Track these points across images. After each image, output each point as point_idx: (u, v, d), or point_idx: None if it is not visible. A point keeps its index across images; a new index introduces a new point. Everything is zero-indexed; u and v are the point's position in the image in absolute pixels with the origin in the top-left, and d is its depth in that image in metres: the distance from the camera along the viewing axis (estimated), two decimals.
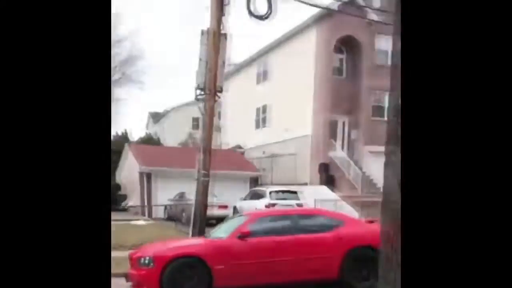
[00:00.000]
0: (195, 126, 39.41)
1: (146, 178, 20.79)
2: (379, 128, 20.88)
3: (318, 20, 21.59)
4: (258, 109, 26.98)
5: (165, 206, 19.89)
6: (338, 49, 22.39)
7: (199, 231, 10.19)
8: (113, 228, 12.71)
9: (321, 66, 21.67)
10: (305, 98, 22.24)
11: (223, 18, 11.03)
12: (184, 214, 17.17)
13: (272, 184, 21.16)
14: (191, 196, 17.13)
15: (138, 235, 12.74)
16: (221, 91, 11.15)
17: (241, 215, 8.68)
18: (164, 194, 19.97)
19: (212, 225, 11.53)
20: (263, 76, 26.78)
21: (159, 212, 20.08)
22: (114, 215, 16.12)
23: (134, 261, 7.02)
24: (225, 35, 11.08)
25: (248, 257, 6.97)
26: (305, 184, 20.96)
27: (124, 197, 23.15)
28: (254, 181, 22.47)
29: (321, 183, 20.44)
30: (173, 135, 37.87)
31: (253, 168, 23.48)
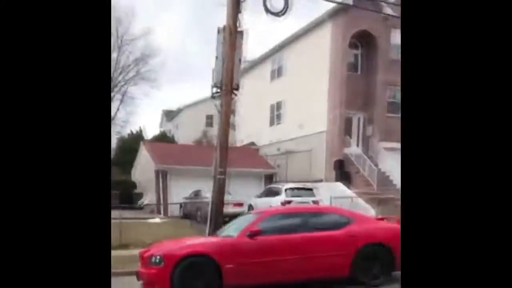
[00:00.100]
0: (209, 123, 39.54)
1: (162, 176, 20.86)
2: (394, 124, 20.69)
3: (333, 15, 21.42)
4: (272, 106, 26.92)
5: (181, 204, 19.94)
6: (353, 45, 22.19)
7: (215, 229, 10.18)
8: (130, 227, 12.85)
9: (336, 62, 21.50)
10: (320, 94, 22.11)
11: (239, 16, 11.00)
12: (199, 212, 17.21)
13: (287, 181, 21.08)
14: (207, 194, 17.25)
15: (154, 234, 12.80)
16: (237, 89, 11.10)
17: (250, 214, 8.61)
18: (179, 192, 20.04)
19: (227, 223, 11.51)
20: (277, 73, 26.70)
21: (175, 210, 20.15)
22: (130, 214, 16.35)
23: (145, 259, 7.03)
24: (241, 32, 11.03)
25: (258, 255, 6.95)
26: (320, 180, 20.87)
27: (140, 196, 23.29)
28: (269, 178, 22.42)
29: (336, 179, 20.33)
30: (186, 132, 38.05)
31: (268, 165, 23.44)
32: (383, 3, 20.10)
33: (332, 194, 16.79)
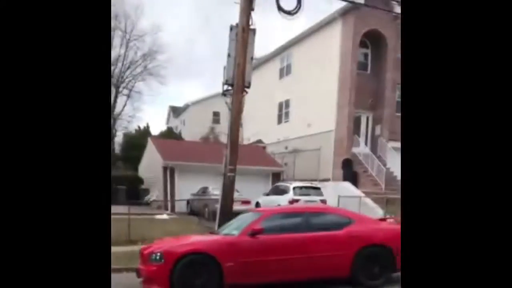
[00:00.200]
0: (216, 120, 39.59)
1: (169, 172, 20.90)
2: None
3: (343, 13, 21.36)
4: (280, 104, 26.90)
5: (188, 201, 19.98)
6: (363, 43, 22.12)
7: None
8: (138, 223, 12.84)
9: (346, 61, 21.44)
10: (328, 93, 22.07)
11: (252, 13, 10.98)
12: (207, 209, 17.25)
13: (294, 179, 21.07)
14: (215, 191, 17.28)
15: (163, 230, 12.82)
16: (248, 87, 11.11)
17: (251, 212, 8.59)
18: (187, 188, 20.08)
19: None
20: (286, 71, 26.65)
21: (182, 207, 20.19)
22: (137, 209, 16.38)
23: (145, 256, 6.99)
24: (253, 30, 11.02)
25: (259, 254, 6.92)
26: (328, 180, 20.84)
27: (147, 191, 23.34)
28: (276, 177, 22.41)
29: (344, 179, 20.28)
30: (193, 129, 38.10)
31: (275, 164, 23.43)
32: (393, 2, 20.02)
33: (339, 193, 16.75)
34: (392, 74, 21.67)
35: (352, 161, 21.10)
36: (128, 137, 35.78)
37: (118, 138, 37.80)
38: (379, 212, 15.44)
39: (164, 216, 16.97)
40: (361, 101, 21.74)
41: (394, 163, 20.66)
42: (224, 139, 29.50)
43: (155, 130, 37.94)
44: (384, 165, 20.72)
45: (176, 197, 20.48)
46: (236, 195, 12.47)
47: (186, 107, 44.08)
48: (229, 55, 11.08)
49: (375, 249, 7.34)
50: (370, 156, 21.22)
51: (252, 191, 18.52)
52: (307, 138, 23.18)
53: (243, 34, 10.75)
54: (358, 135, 22.28)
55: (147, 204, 21.65)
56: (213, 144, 27.54)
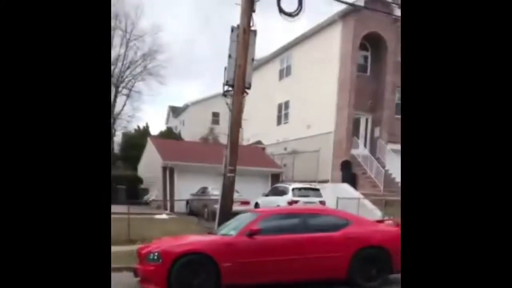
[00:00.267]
0: (215, 121, 39.64)
1: (169, 172, 20.94)
2: None
3: (343, 16, 21.43)
4: (280, 105, 26.96)
5: (187, 201, 20.02)
6: (363, 46, 22.20)
7: None
8: (137, 222, 12.80)
9: (346, 63, 21.52)
10: (328, 94, 22.14)
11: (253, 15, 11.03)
12: (206, 209, 17.29)
13: (293, 180, 21.12)
14: (214, 191, 17.31)
15: (163, 229, 12.85)
16: (249, 88, 11.16)
17: (248, 213, 8.63)
18: (186, 188, 20.11)
19: None
20: (286, 72, 26.72)
21: (181, 207, 20.22)
22: (136, 209, 16.39)
23: (143, 256, 7.00)
24: (254, 31, 11.07)
25: (257, 255, 6.94)
26: (327, 181, 20.90)
27: (146, 191, 23.36)
28: (275, 178, 22.45)
29: (343, 180, 20.34)
30: (192, 129, 38.13)
31: (274, 165, 23.48)
32: (394, 5, 20.11)
33: (338, 195, 16.80)
34: (392, 77, 21.76)
35: (351, 162, 21.16)
36: (127, 136, 35.78)
37: (117, 138, 37.83)
38: (377, 214, 15.48)
39: (164, 216, 16.99)
40: (361, 103, 21.81)
41: (393, 165, 20.74)
42: (223, 139, 29.54)
43: (154, 130, 37.97)
44: (383, 167, 20.80)
45: (176, 197, 20.50)
46: (235, 195, 12.52)
47: (186, 107, 44.11)
48: (230, 56, 11.11)
49: (372, 250, 7.37)
50: (369, 158, 21.30)
51: (251, 192, 18.57)
52: (306, 140, 23.24)
53: (244, 35, 10.79)
54: (357, 137, 22.36)
55: (147, 203, 21.66)
56: (213, 145, 27.57)
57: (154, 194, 22.23)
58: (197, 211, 18.38)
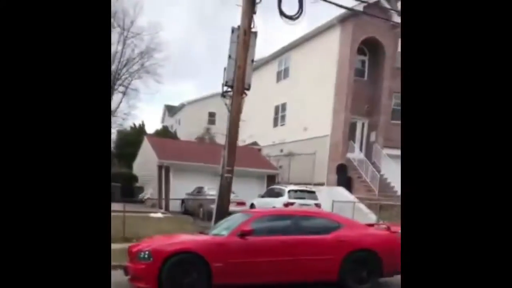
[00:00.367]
0: (211, 121, 39.64)
1: (165, 171, 20.93)
2: (398, 131, 20.77)
3: (342, 20, 21.54)
4: (276, 107, 27.02)
5: (182, 200, 20.02)
6: (360, 51, 22.32)
7: None
8: (132, 220, 12.72)
9: (343, 67, 21.62)
10: (325, 98, 22.23)
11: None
12: (202, 209, 17.30)
13: (289, 182, 21.19)
14: (210, 191, 17.33)
15: (158, 228, 12.85)
16: (248, 89, 11.21)
17: (241, 213, 8.64)
18: (181, 188, 20.10)
19: None
20: (283, 74, 26.79)
21: (176, 206, 20.21)
22: (131, 207, 16.36)
23: (133, 254, 6.98)
24: (255, 33, 11.12)
25: (248, 256, 6.96)
26: (322, 184, 20.98)
27: (141, 189, 23.33)
28: (271, 179, 22.50)
29: (338, 184, 20.43)
30: (188, 128, 38.14)
31: (270, 166, 23.52)
32: (392, 12, 20.26)
33: (333, 198, 16.88)
34: (389, 82, 21.90)
35: (346, 166, 21.26)
36: (122, 134, 35.68)
37: (113, 135, 37.68)
38: (372, 218, 15.59)
39: (159, 215, 16.97)
40: (357, 107, 21.93)
41: (388, 170, 20.87)
42: (219, 140, 29.58)
43: (150, 129, 37.90)
44: (378, 171, 20.91)
45: (171, 196, 20.49)
46: (231, 196, 12.56)
47: (182, 106, 44.05)
48: (229, 57, 11.14)
49: (363, 253, 7.43)
50: (364, 162, 21.41)
51: (246, 193, 18.60)
52: (302, 142, 23.32)
53: (244, 36, 10.84)
54: (353, 141, 22.46)
55: (141, 202, 21.64)
56: (209, 145, 27.59)
57: (149, 192, 22.19)
58: (192, 210, 18.39)
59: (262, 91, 26.77)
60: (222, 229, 7.66)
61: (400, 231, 7.80)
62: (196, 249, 6.81)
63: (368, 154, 22.22)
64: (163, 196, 20.63)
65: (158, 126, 44.92)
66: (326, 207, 15.72)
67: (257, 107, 27.18)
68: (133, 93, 39.51)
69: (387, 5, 20.81)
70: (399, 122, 21.26)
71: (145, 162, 24.05)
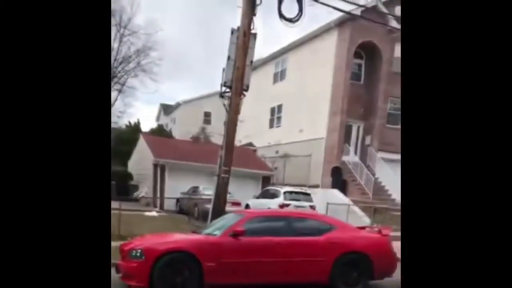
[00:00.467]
0: (207, 121, 39.63)
1: (160, 170, 20.92)
2: (393, 135, 20.97)
3: (340, 24, 21.65)
4: (272, 109, 27.08)
5: (177, 199, 20.02)
6: (357, 54, 22.44)
7: None
8: (127, 219, 12.66)
9: (340, 70, 21.73)
10: (321, 100, 22.33)
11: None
12: (197, 209, 17.31)
13: (284, 184, 21.25)
14: (205, 191, 17.36)
15: (153, 227, 12.87)
16: (247, 90, 11.27)
17: (233, 214, 8.66)
18: (176, 187, 20.08)
19: None
20: (280, 76, 26.86)
21: (171, 205, 20.20)
22: (126, 205, 16.34)
23: (125, 252, 6.99)
24: (254, 35, 11.18)
25: (240, 256, 6.98)
26: (317, 186, 21.06)
27: (136, 188, 23.28)
28: (266, 180, 22.55)
29: (333, 186, 20.52)
30: (183, 128, 38.09)
31: (266, 167, 23.57)
32: (389, 16, 20.39)
33: (328, 200, 16.94)
34: (385, 86, 22.04)
35: (341, 169, 21.36)
36: (117, 132, 35.55)
37: None
38: (366, 221, 15.66)
39: (154, 213, 16.99)
40: (353, 111, 22.06)
41: (383, 173, 21.00)
42: (215, 140, 29.57)
43: (145, 127, 37.78)
44: (373, 174, 21.03)
45: (166, 195, 20.47)
46: (227, 196, 12.59)
47: (177, 105, 43.99)
48: (228, 58, 11.20)
49: (354, 256, 7.49)
50: (359, 165, 21.52)
51: (242, 193, 18.62)
52: (298, 144, 23.40)
53: (244, 38, 10.89)
54: (349, 143, 22.57)
55: (136, 200, 21.60)
56: (205, 144, 27.58)
57: (144, 191, 22.15)
58: (187, 210, 18.38)
59: (259, 92, 26.80)
60: (215, 229, 7.68)
61: (390, 234, 8.01)
62: (189, 248, 6.82)
63: (363, 157, 22.34)
64: (158, 195, 20.60)
65: (153, 124, 44.82)
66: (320, 209, 15.79)
67: (253, 108, 27.24)
68: (128, 91, 39.39)
69: (384, 10, 20.94)
70: (394, 126, 21.48)
71: (141, 160, 24.00)
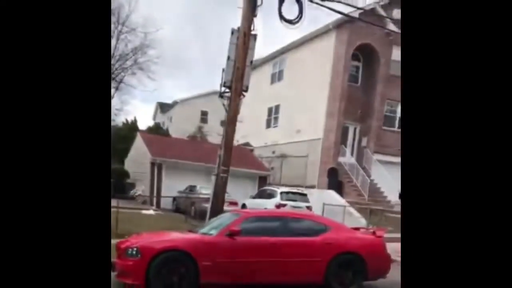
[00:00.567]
0: (203, 119, 39.67)
1: (157, 168, 20.94)
2: (389, 137, 21.13)
3: (338, 26, 21.76)
4: (270, 109, 27.16)
5: (174, 198, 20.05)
6: (355, 56, 22.57)
7: None
8: (124, 217, 12.63)
9: (338, 72, 21.85)
10: (318, 102, 22.44)
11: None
12: (194, 207, 17.35)
13: (280, 184, 21.34)
14: (203, 190, 17.42)
15: (151, 225, 12.91)
16: (246, 90, 11.34)
17: (230, 213, 8.67)
18: (173, 185, 20.11)
19: None
20: (278, 76, 26.95)
21: (167, 203, 20.23)
22: (122, 203, 16.36)
23: (122, 251, 6.96)
24: (254, 35, 11.24)
25: (235, 255, 7.03)
26: (313, 187, 21.17)
27: (133, 186, 23.26)
28: (263, 180, 22.63)
29: (329, 187, 20.63)
30: (180, 126, 38.11)
31: (262, 167, 23.64)
32: (387, 19, 20.53)
33: (324, 201, 17.04)
34: (382, 88, 22.19)
35: (337, 170, 21.49)
36: (114, 129, 35.47)
37: None
38: (362, 222, 15.77)
39: (151, 212, 17.01)
40: (350, 112, 22.20)
41: (378, 175, 21.16)
42: (212, 138, 29.62)
43: (141, 125, 37.74)
44: (369, 176, 21.18)
45: (162, 194, 20.49)
46: (225, 195, 12.65)
47: (174, 104, 43.97)
48: (228, 58, 11.24)
49: (349, 256, 7.55)
50: (355, 167, 21.66)
51: (238, 193, 18.67)
52: (295, 144, 23.50)
53: (244, 38, 10.95)
54: (345, 145, 22.71)
55: (133, 198, 21.59)
56: (202, 143, 27.62)
57: (141, 189, 22.16)
58: (184, 208, 18.41)
59: (256, 92, 26.83)
60: (211, 228, 7.70)
61: (384, 235, 8.11)
62: (185, 247, 6.82)
63: (359, 159, 22.48)
64: (155, 193, 20.63)
65: (150, 122, 44.81)
66: (316, 210, 15.88)
67: (250, 108, 27.28)
68: (125, 89, 39.29)
69: (382, 13, 21.07)
70: (391, 128, 21.65)
71: (138, 159, 23.97)
